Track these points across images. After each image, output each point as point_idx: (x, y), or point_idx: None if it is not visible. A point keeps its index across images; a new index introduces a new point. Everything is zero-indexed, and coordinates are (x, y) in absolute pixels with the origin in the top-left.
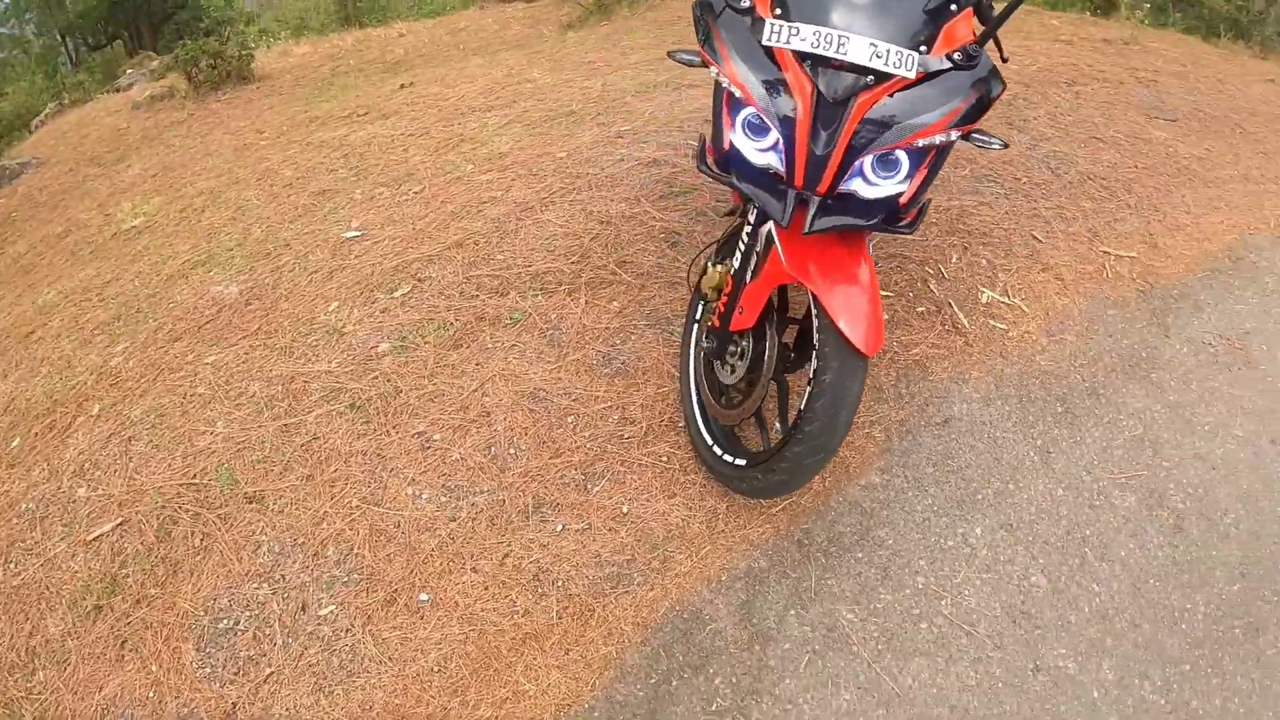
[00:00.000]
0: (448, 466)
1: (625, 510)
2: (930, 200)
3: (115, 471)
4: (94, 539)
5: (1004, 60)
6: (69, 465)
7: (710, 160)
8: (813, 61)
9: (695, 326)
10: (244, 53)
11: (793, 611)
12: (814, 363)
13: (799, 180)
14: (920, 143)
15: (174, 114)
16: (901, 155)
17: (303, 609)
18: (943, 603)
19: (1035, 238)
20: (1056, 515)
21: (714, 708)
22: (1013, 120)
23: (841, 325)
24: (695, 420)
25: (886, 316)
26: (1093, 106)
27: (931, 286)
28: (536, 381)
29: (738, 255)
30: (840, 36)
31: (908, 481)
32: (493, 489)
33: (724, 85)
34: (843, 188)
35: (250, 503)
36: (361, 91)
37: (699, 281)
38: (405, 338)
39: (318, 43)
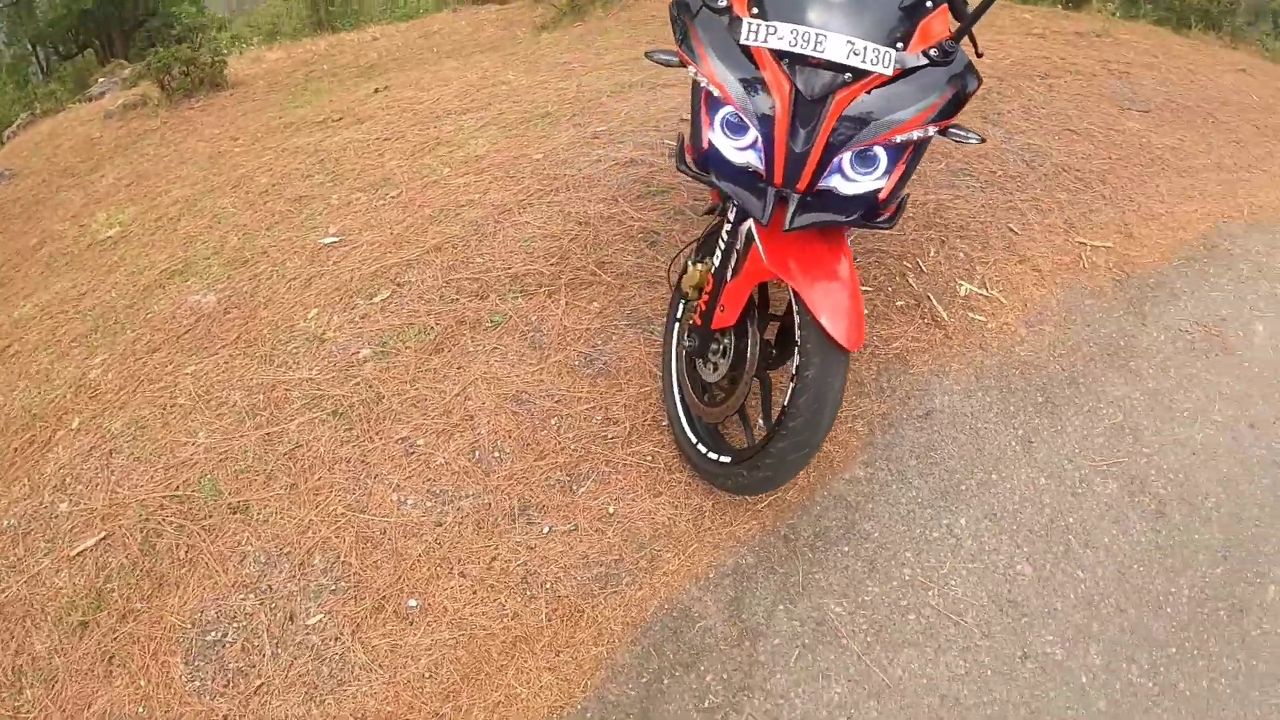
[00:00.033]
0: (432, 471)
1: (611, 510)
2: (909, 195)
3: (97, 485)
4: (78, 554)
5: (978, 55)
6: (50, 480)
7: (689, 159)
8: (790, 60)
9: (676, 325)
10: (217, 59)
11: (781, 606)
12: (796, 359)
13: (778, 178)
14: (898, 139)
15: (147, 122)
16: (880, 151)
17: (290, 619)
18: (930, 593)
19: (1012, 230)
20: (1040, 504)
21: (706, 705)
22: (987, 114)
23: (823, 321)
24: (679, 419)
25: (866, 311)
26: (1066, 99)
27: (910, 280)
28: (519, 384)
29: (718, 253)
30: (818, 35)
31: (891, 474)
32: (478, 493)
33: (702, 84)
34: (822, 184)
35: (235, 513)
36: (336, 96)
37: (679, 280)
38: (386, 343)
39: (291, 48)
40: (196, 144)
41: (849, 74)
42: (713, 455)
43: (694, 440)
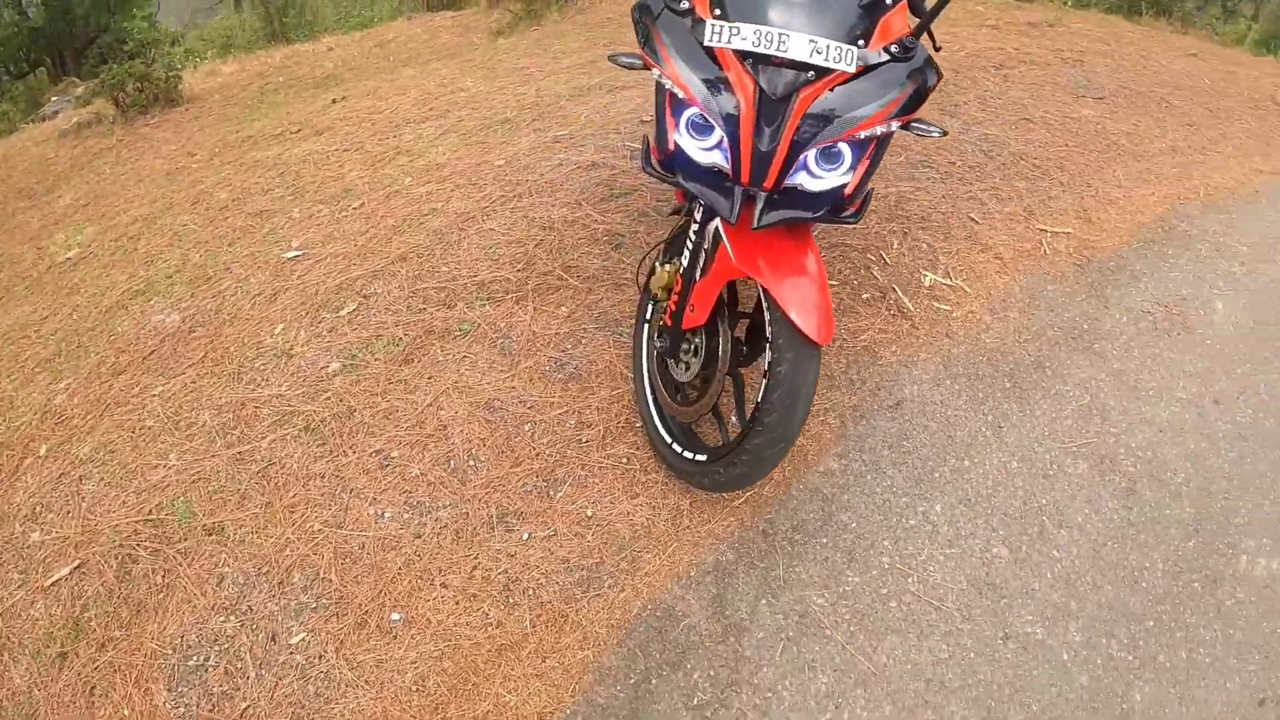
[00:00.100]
0: (408, 483)
1: (589, 514)
2: (873, 189)
3: (68, 513)
4: (52, 584)
5: (936, 49)
6: (20, 509)
7: (655, 161)
8: (753, 60)
9: (646, 326)
10: (171, 74)
11: (764, 601)
12: (768, 355)
13: (745, 177)
14: (862, 134)
15: (102, 140)
16: (844, 148)
17: (273, 639)
18: (910, 580)
19: (973, 219)
20: (1013, 487)
21: (695, 702)
22: (944, 106)
23: (793, 316)
24: (652, 419)
25: (833, 305)
26: (1021, 88)
27: (875, 273)
28: (490, 392)
29: (686, 254)
30: (780, 34)
31: (865, 465)
32: (455, 502)
33: (666, 86)
34: (788, 182)
35: (210, 535)
36: (293, 108)
37: (648, 282)
38: (355, 356)
39: (245, 61)
40: (154, 161)
41: (812, 72)
42: (688, 454)
43: (669, 440)
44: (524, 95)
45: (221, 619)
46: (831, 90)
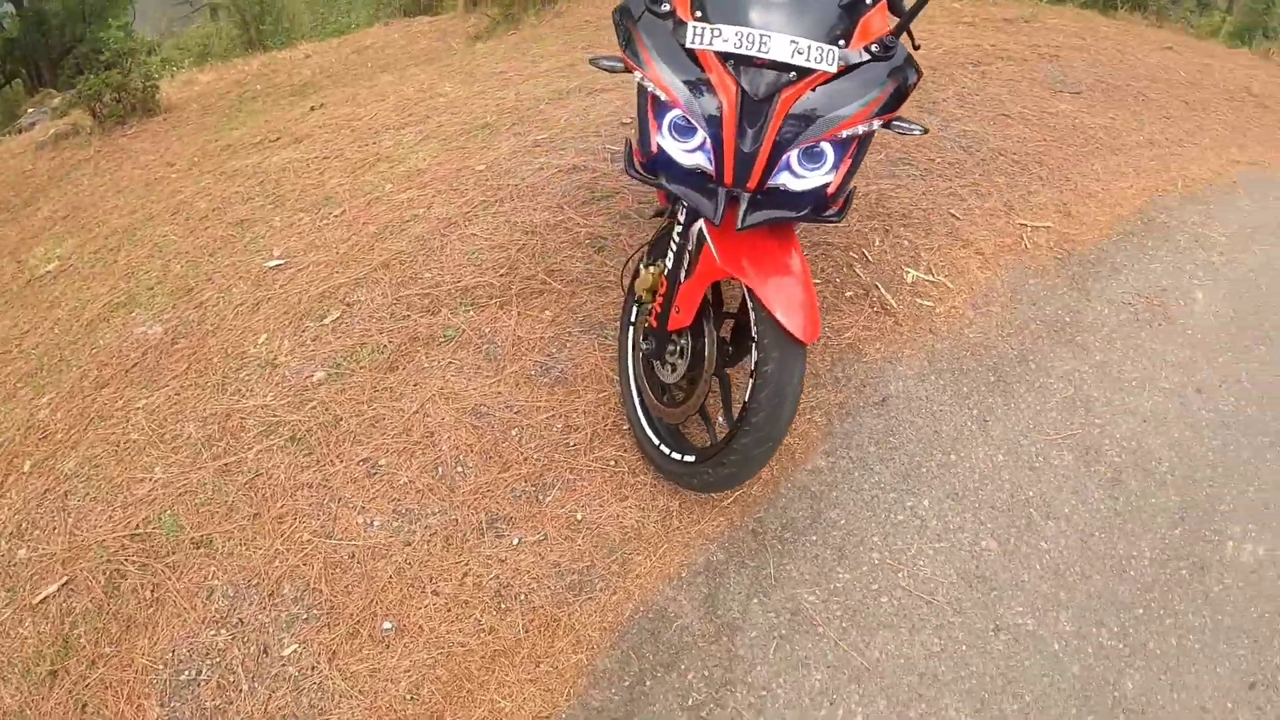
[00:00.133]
0: (396, 491)
1: (579, 517)
2: (855, 188)
3: (54, 529)
4: (40, 601)
5: (915, 48)
6: (5, 526)
7: (638, 164)
8: (735, 61)
9: (631, 329)
10: (148, 84)
11: (755, 600)
12: (754, 355)
13: (729, 178)
14: (844, 134)
15: (80, 152)
16: (826, 147)
17: (265, 651)
18: (900, 575)
19: (953, 215)
20: (999, 480)
21: (690, 703)
22: (923, 103)
23: (779, 316)
24: (639, 421)
25: (818, 303)
26: (999, 85)
27: (857, 271)
28: (477, 397)
29: (670, 255)
30: (762, 36)
31: (853, 462)
32: (444, 509)
33: (648, 89)
34: (771, 182)
35: (198, 548)
36: (271, 116)
37: (632, 284)
38: (339, 364)
39: (223, 69)
40: (132, 171)
41: (793, 73)
42: (676, 455)
43: (656, 442)
44: (503, 99)
45: (212, 632)
46: (813, 90)
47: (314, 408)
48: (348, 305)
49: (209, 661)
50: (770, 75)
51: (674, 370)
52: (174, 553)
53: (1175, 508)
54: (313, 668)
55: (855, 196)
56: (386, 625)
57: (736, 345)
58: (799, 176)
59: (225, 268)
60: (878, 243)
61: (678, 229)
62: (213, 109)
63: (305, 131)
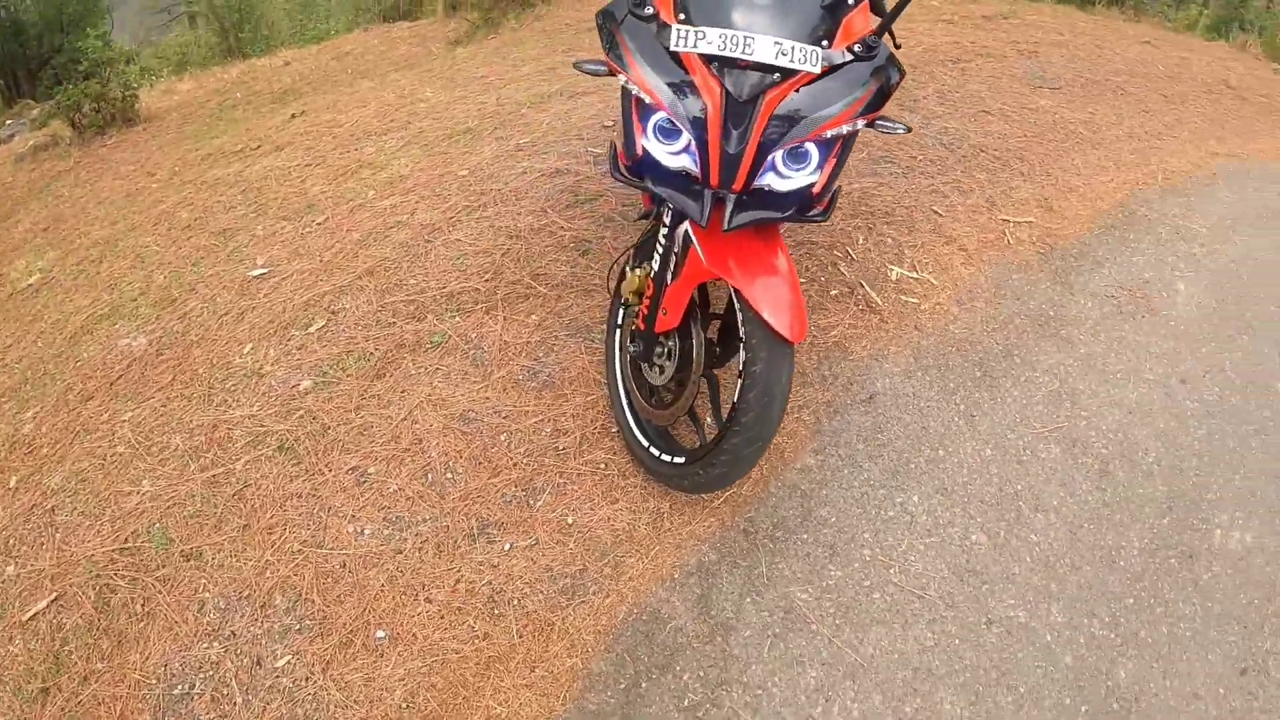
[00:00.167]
0: (386, 499)
1: (570, 521)
2: (840, 187)
3: (42, 545)
4: (30, 618)
5: (896, 47)
6: None
7: (623, 167)
8: (719, 63)
9: (618, 331)
10: (128, 93)
11: (749, 599)
12: (742, 355)
13: (714, 179)
14: (828, 134)
15: (60, 163)
16: (811, 147)
17: (258, 663)
18: (891, 571)
19: (936, 212)
20: (988, 474)
21: (686, 703)
22: (903, 101)
23: (766, 316)
24: (628, 424)
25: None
26: (979, 81)
27: (842, 269)
28: (465, 403)
29: (656, 257)
30: (745, 37)
31: (842, 460)
32: (435, 516)
33: (633, 92)
34: (757, 183)
35: (188, 560)
36: (252, 124)
37: (618, 287)
38: (326, 373)
39: (202, 78)
40: (113, 182)
41: (777, 74)
42: (666, 457)
43: (646, 444)
44: (485, 104)
45: (205, 645)
46: (797, 91)
47: (301, 417)
48: (333, 313)
49: (202, 675)
50: (754, 76)
51: (662, 372)
52: (164, 566)
53: (1163, 497)
54: (307, 678)
55: (839, 195)
56: (380, 634)
57: (724, 346)
58: (784, 177)
59: (209, 277)
60: (861, 241)
61: (663, 231)
62: (193, 118)
63: (286, 139)
